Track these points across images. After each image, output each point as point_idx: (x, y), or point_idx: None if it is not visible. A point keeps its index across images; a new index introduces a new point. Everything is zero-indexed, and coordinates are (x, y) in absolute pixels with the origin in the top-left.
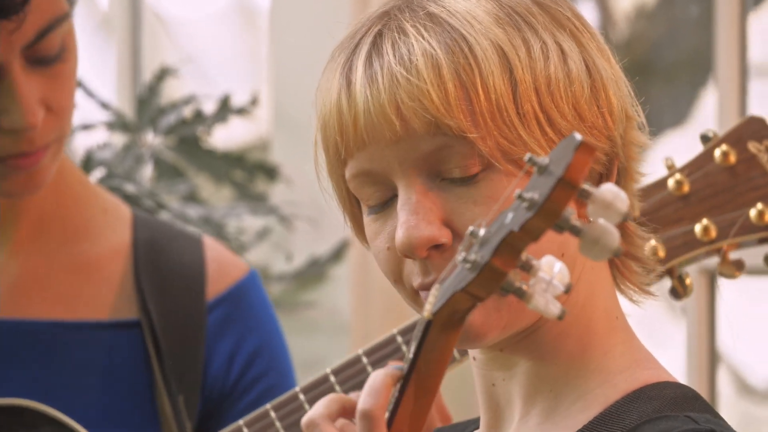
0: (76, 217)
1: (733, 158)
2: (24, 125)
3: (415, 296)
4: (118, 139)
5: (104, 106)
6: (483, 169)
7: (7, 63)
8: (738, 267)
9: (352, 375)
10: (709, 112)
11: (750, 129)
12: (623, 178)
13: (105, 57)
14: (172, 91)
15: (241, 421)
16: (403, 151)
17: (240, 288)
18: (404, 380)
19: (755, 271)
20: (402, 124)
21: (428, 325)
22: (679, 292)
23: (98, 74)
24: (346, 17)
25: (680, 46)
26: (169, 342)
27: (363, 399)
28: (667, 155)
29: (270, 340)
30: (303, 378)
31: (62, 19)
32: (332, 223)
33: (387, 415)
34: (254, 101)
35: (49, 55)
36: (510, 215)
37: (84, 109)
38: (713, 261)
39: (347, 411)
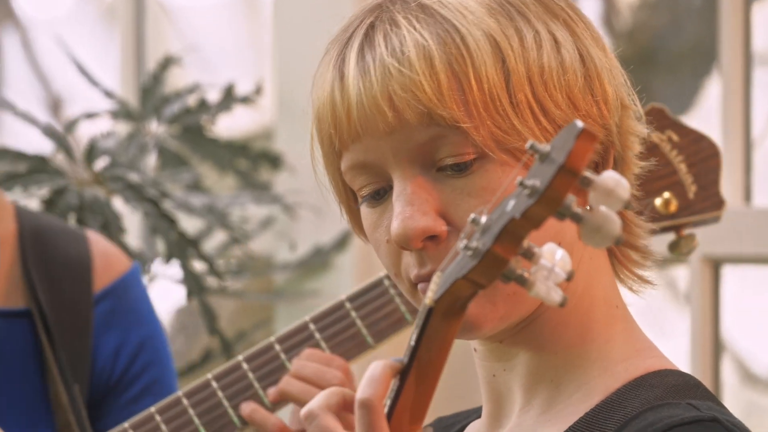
0: None
1: None
2: None
3: (413, 290)
4: (122, 128)
5: (108, 94)
6: (477, 159)
7: None
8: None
9: (263, 363)
10: (713, 102)
11: (651, 119)
12: (620, 168)
13: (109, 46)
14: (176, 80)
15: (126, 424)
16: (397, 142)
17: (124, 282)
18: (405, 369)
19: (761, 260)
20: (395, 116)
21: (429, 312)
22: None
23: (102, 63)
24: (349, 5)
25: (684, 36)
26: (61, 332)
27: (362, 389)
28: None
29: (153, 333)
30: None
31: None
32: (336, 212)
33: (387, 404)
34: (258, 90)
35: None
36: (511, 202)
37: (88, 98)
38: (718, 248)
39: (347, 403)
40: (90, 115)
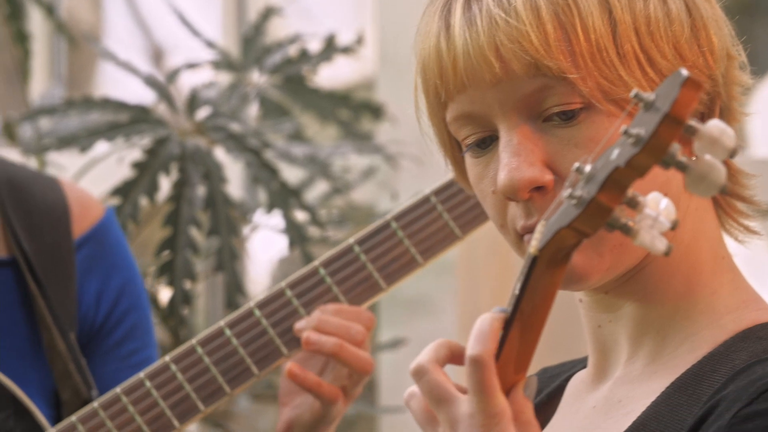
0: None
1: None
2: None
3: (518, 241)
4: (224, 78)
5: (210, 45)
6: (583, 109)
7: None
8: None
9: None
10: None
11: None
12: (725, 118)
13: None
14: (278, 30)
15: (142, 374)
16: (504, 93)
17: (102, 227)
18: (509, 318)
19: None
20: (502, 66)
21: (534, 261)
22: None
23: (204, 13)
24: None
25: None
26: (48, 279)
27: (471, 345)
28: None
29: (132, 278)
30: (419, 318)
31: None
32: (438, 162)
33: None
34: (359, 40)
35: None
36: (616, 151)
37: (189, 48)
38: None
39: (455, 355)
40: (191, 65)
